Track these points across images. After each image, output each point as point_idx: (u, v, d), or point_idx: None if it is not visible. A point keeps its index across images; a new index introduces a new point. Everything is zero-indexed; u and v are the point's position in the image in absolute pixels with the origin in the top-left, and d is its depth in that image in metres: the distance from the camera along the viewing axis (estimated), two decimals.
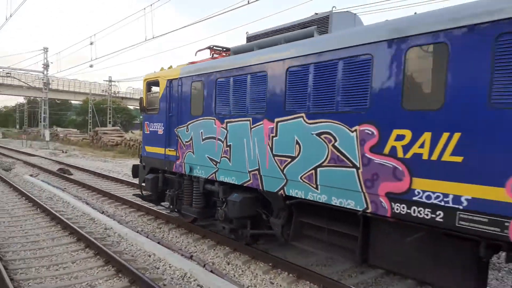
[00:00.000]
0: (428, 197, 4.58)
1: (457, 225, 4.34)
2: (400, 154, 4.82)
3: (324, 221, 6.16)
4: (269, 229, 7.37)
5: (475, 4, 4.27)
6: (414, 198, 4.68)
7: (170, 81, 9.20)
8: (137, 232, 9.32)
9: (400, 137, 4.83)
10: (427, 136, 4.57)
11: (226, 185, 7.76)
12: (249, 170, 7.02)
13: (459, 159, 4.30)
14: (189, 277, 6.64)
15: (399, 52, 4.82)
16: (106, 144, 37.18)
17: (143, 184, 10.39)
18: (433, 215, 4.53)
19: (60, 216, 9.95)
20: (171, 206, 9.77)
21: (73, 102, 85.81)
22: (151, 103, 10.03)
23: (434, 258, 4.95)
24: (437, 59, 4.49)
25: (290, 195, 6.27)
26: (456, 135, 4.31)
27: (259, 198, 7.32)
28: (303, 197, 6.05)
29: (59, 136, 50.08)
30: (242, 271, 7.09)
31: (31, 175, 18.45)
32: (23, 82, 50.56)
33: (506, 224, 3.97)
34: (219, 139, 7.70)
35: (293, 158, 6.19)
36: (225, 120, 7.55)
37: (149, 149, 10.15)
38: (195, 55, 9.91)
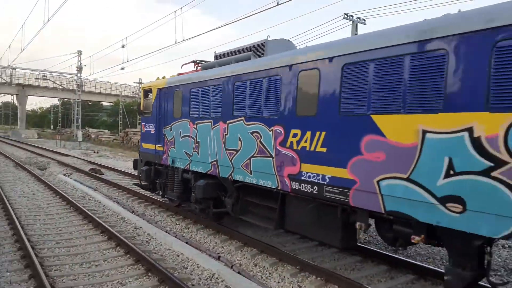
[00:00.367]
0: (309, 177, 6.38)
1: (324, 196, 6.13)
2: (295, 146, 6.65)
3: (258, 198, 8.09)
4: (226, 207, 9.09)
5: (325, 46, 6.34)
6: (302, 178, 6.50)
7: (160, 90, 11.13)
8: (166, 232, 9.47)
9: (295, 135, 6.65)
10: (308, 134, 6.39)
11: (197, 173, 9.55)
12: (211, 161, 8.82)
13: (324, 149, 6.12)
14: (217, 278, 6.67)
15: (294, 75, 6.64)
16: (136, 144, 38.00)
17: (141, 175, 12.35)
18: (312, 189, 6.34)
19: (92, 215, 10.24)
20: (161, 193, 11.67)
21: (104, 103, 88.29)
22: (146, 107, 12.00)
23: (319, 221, 6.79)
24: (313, 80, 6.31)
25: (236, 179, 8.06)
26: (323, 133, 6.12)
27: (219, 183, 9.06)
28: (243, 181, 7.85)
29: (91, 137, 51.61)
30: (270, 273, 7.07)
31: (64, 175, 19.08)
32: (58, 84, 52.45)
33: (348, 193, 5.75)
34: (192, 137, 9.54)
35: (237, 151, 7.99)
36: (196, 122, 9.40)
37: (145, 145, 12.21)
38: (181, 67, 11.77)
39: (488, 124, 4.22)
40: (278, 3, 11.38)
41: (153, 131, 11.50)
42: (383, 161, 5.24)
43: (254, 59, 8.00)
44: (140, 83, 56.72)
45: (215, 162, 8.65)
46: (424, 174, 4.79)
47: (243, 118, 7.81)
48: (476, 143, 4.30)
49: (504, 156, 4.08)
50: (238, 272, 6.92)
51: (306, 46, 6.94)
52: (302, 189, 6.49)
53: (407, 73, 4.94)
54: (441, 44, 4.60)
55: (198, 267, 7.20)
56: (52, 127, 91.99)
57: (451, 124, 4.53)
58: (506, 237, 4.13)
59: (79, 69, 46.95)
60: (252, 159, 7.55)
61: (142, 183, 12.45)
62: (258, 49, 8.44)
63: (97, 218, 9.94)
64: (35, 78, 56.24)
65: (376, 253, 7.80)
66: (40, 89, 64.44)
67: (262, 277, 6.91)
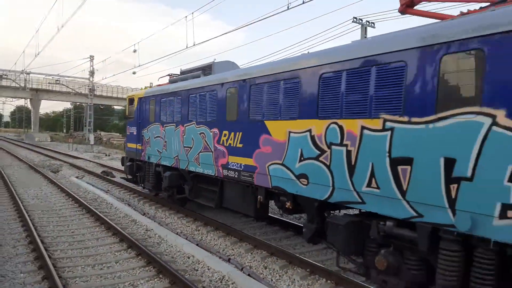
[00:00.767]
0: (233, 165, 8.57)
1: (241, 179, 8.33)
2: (225, 143, 8.88)
3: (206, 184, 10.42)
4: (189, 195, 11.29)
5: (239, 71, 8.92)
6: (229, 166, 8.71)
7: (140, 99, 13.70)
8: (177, 234, 9.53)
9: (225, 135, 8.88)
10: (232, 134, 8.61)
11: (165, 166, 11.90)
12: (174, 156, 11.15)
13: (241, 145, 8.33)
14: (227, 280, 6.69)
15: (224, 90, 8.93)
16: None
17: (126, 170, 14.87)
18: (234, 175, 8.52)
19: (104, 217, 10.36)
20: (142, 185, 14.00)
21: (116, 107, 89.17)
22: (130, 113, 14.62)
23: (242, 199, 8.98)
24: (235, 94, 8.53)
25: (190, 170, 10.39)
26: (240, 133, 8.35)
27: (180, 174, 11.35)
28: (195, 171, 10.15)
29: (102, 140, 52.15)
30: (280, 275, 7.07)
31: (76, 177, 19.31)
32: (71, 88, 53.11)
33: (253, 176, 7.95)
34: (161, 137, 11.92)
35: (191, 147, 10.32)
36: (164, 125, 11.79)
37: (129, 145, 14.74)
38: (158, 80, 14.21)
39: (317, 127, 6.41)
40: (288, 7, 11.43)
41: (135, 133, 13.97)
42: (270, 152, 7.47)
43: (203, 77, 10.34)
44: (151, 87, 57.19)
45: (177, 157, 11.00)
46: (289, 160, 6.99)
47: (194, 122, 10.15)
48: (312, 139, 6.49)
49: (325, 147, 6.25)
50: (248, 275, 6.94)
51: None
52: (229, 175, 8.72)
53: (281, 93, 7.22)
54: (296, 74, 6.89)
55: (208, 269, 7.23)
56: (64, 130, 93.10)
57: (301, 127, 6.74)
58: (327, 199, 6.24)
59: (91, 73, 47.50)
60: (200, 153, 9.88)
61: (128, 177, 14.92)
62: (207, 69, 10.78)
63: (109, 220, 10.05)
64: (49, 83, 56.98)
65: None
66: (53, 93, 65.31)
67: (272, 280, 6.91)
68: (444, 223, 4.61)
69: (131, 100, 14.52)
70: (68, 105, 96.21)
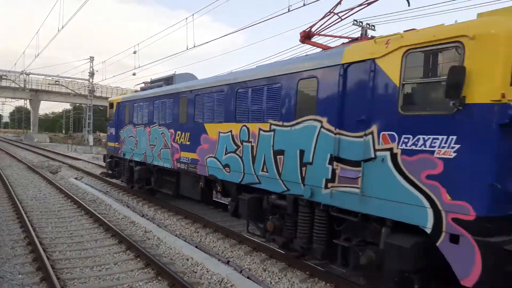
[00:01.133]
0: (184, 159, 10.52)
1: (188, 169, 10.27)
2: (178, 142, 10.83)
3: (167, 176, 12.32)
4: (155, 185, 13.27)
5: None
6: (181, 160, 10.64)
7: (118, 103, 15.88)
8: (176, 235, 9.51)
9: (179, 135, 10.80)
10: (183, 134, 10.57)
11: (136, 162, 13.93)
12: (142, 152, 13.21)
13: (189, 143, 10.28)
14: (226, 283, 6.66)
15: (178, 98, 11.06)
16: None
17: (107, 166, 17.20)
18: (185, 167, 10.50)
19: (102, 219, 10.33)
20: (120, 179, 16.16)
21: None
22: (110, 116, 16.77)
23: (192, 186, 10.86)
24: (185, 102, 10.63)
25: (155, 164, 12.44)
26: (188, 133, 10.33)
27: (148, 168, 13.26)
28: (158, 164, 12.22)
29: (101, 141, 52.09)
30: (279, 278, 7.05)
31: (75, 178, 19.28)
32: (70, 89, 53.11)
33: (196, 167, 9.89)
34: (133, 137, 14.04)
35: (154, 145, 12.38)
36: (136, 126, 13.92)
37: (109, 144, 17.07)
38: (134, 87, 16.52)
39: (235, 128, 8.41)
40: (289, 9, 11.46)
41: (114, 133, 16.18)
42: (208, 148, 9.46)
43: (165, 86, 12.52)
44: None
45: (145, 153, 13.08)
46: (219, 154, 8.99)
47: (157, 124, 12.29)
48: (233, 137, 8.47)
49: (239, 143, 8.24)
50: (248, 277, 6.92)
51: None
52: (181, 167, 10.70)
53: (214, 102, 9.30)
54: (222, 88, 9.05)
55: (207, 271, 7.20)
56: (63, 131, 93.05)
57: (226, 128, 8.74)
58: (240, 182, 8.22)
59: (91, 74, 47.51)
60: (161, 150, 11.92)
61: (108, 172, 17.28)
62: (169, 80, 12.80)
63: (107, 222, 10.02)
64: (48, 84, 57.09)
65: None
66: (53, 94, 65.32)
67: (271, 282, 6.89)
68: (299, 194, 6.70)
69: (111, 104, 16.77)
70: (67, 106, 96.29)
